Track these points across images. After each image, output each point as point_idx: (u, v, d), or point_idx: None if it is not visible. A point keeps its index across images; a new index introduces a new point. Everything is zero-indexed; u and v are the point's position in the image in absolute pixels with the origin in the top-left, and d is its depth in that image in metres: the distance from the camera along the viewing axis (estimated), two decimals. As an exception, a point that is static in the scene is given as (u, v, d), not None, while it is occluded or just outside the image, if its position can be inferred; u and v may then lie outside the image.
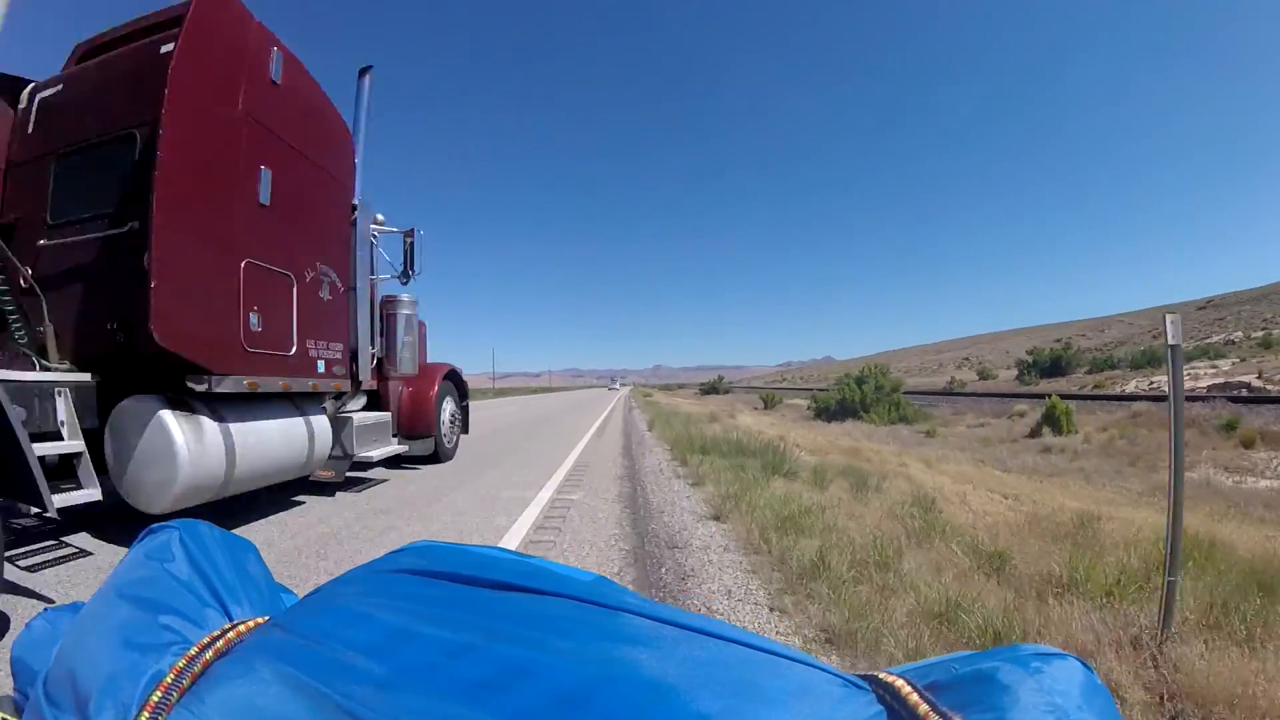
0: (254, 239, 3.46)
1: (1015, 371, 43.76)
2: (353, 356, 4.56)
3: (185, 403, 3.06)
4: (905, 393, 34.39)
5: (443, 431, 6.27)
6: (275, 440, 3.58)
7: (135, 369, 3.09)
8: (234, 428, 3.23)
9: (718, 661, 0.31)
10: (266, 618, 0.39)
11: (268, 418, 3.56)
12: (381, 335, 5.32)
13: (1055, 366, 36.05)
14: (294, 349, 3.76)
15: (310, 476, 4.20)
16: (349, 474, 4.67)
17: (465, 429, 6.97)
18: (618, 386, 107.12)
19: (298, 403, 3.92)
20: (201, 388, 3.09)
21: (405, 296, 5.63)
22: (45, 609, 0.52)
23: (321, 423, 4.07)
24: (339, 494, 4.47)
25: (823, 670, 0.32)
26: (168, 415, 2.91)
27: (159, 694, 0.33)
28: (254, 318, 3.42)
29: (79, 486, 2.63)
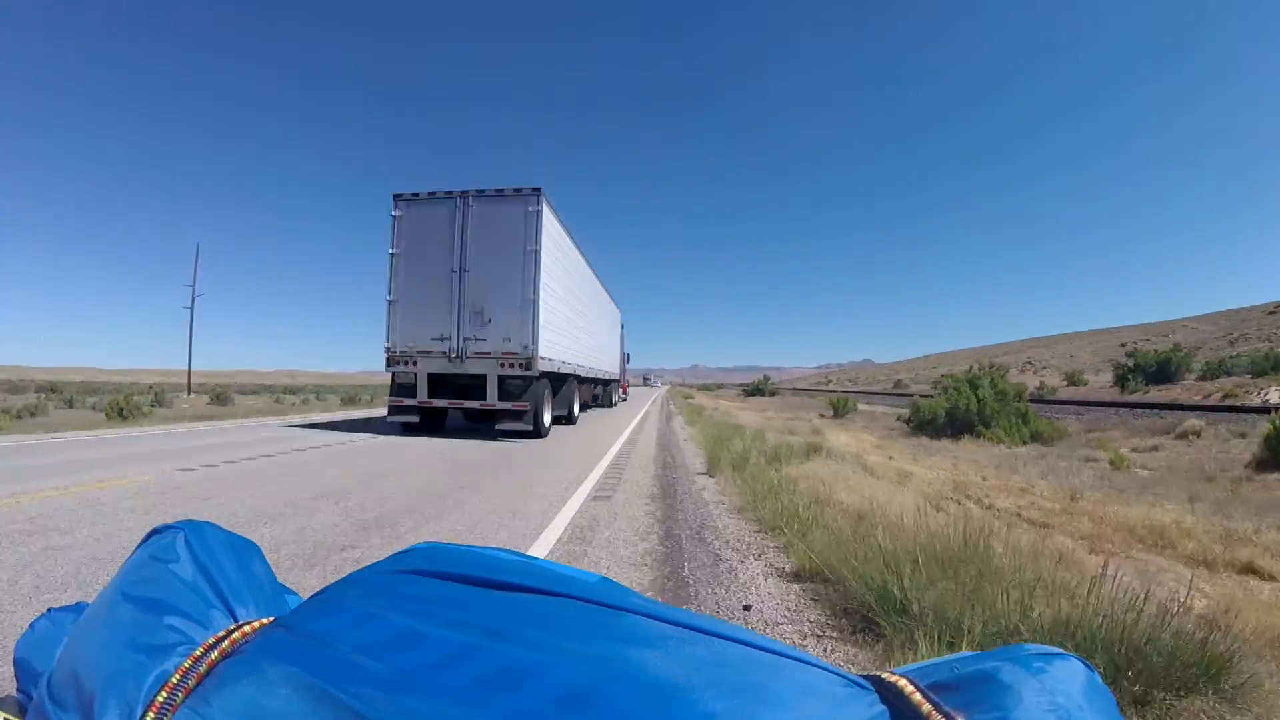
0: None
1: (1105, 377, 39.58)
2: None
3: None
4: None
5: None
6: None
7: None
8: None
9: (722, 662, 0.31)
10: (271, 618, 0.40)
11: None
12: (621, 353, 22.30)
13: (1163, 371, 31.50)
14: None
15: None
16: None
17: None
18: (656, 384, 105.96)
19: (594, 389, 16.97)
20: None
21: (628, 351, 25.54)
22: (49, 609, 0.52)
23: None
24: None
25: (826, 670, 0.32)
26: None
27: (164, 694, 0.34)
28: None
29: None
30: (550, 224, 10.44)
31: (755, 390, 57.06)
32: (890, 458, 9.74)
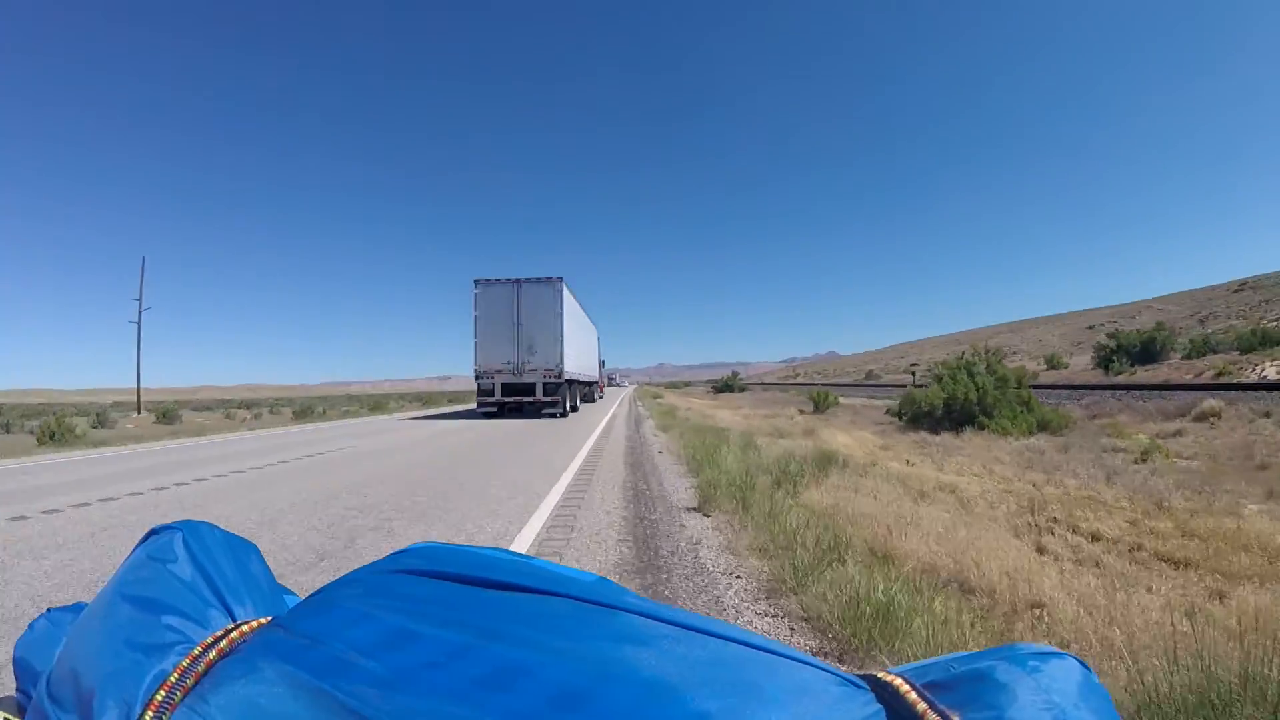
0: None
1: (1082, 359, 38.71)
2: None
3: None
4: (890, 385, 31.13)
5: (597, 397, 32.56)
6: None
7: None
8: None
9: (717, 661, 0.31)
10: (269, 618, 0.40)
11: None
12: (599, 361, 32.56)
13: (1147, 351, 30.36)
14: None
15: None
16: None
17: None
18: (622, 384, 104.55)
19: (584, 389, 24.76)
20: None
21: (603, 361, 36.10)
22: (48, 609, 0.52)
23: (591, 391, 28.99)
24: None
25: (822, 669, 0.32)
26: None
27: (163, 693, 0.34)
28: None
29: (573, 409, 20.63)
30: (567, 296, 18.52)
31: (725, 387, 53.57)
32: (909, 463, 8.36)
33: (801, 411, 20.07)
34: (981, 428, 12.34)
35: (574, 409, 20.49)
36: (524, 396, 17.29)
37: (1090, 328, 73.45)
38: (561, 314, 17.76)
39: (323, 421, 19.32)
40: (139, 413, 29.75)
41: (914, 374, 33.15)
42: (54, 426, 12.79)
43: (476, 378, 17.56)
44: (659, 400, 29.61)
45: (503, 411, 17.86)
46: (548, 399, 17.28)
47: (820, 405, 20.64)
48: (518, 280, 17.66)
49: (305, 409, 26.32)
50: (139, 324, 32.88)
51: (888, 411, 16.71)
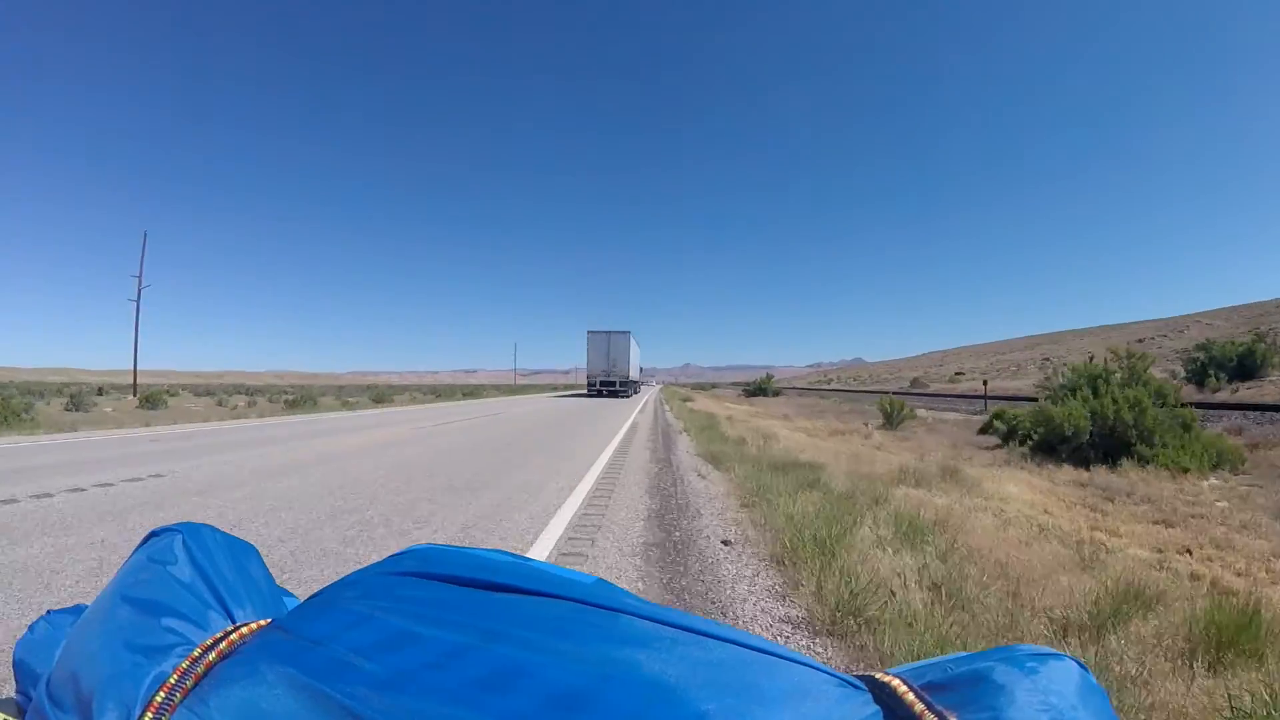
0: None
1: (1158, 373, 36.38)
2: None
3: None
4: (1023, 398, 23.46)
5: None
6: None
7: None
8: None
9: (716, 662, 0.31)
10: (269, 620, 0.40)
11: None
12: (640, 370, 52.88)
13: (1243, 366, 26.63)
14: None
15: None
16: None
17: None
18: (651, 383, 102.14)
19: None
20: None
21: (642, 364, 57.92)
22: (48, 611, 0.52)
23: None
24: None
25: (820, 670, 0.32)
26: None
27: (162, 694, 0.34)
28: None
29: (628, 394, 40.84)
30: (632, 340, 41.29)
31: (758, 390, 52.83)
32: (1161, 553, 5.04)
33: (869, 425, 17.17)
34: (1143, 460, 9.01)
35: (635, 393, 43.74)
36: (609, 387, 38.86)
37: (1140, 341, 71.53)
38: (628, 349, 39.84)
39: (321, 413, 18.85)
40: (134, 395, 28.13)
41: (985, 383, 28.67)
42: None
43: (588, 377, 39.77)
44: (690, 405, 24.52)
45: (601, 394, 38.28)
46: (621, 389, 38.91)
47: (893, 418, 17.43)
48: (609, 331, 39.70)
49: (298, 399, 25.69)
50: (138, 301, 31.20)
51: (985, 431, 13.98)
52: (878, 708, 0.30)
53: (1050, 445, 10.24)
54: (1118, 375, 11.14)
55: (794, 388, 77.48)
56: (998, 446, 12.03)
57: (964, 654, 0.33)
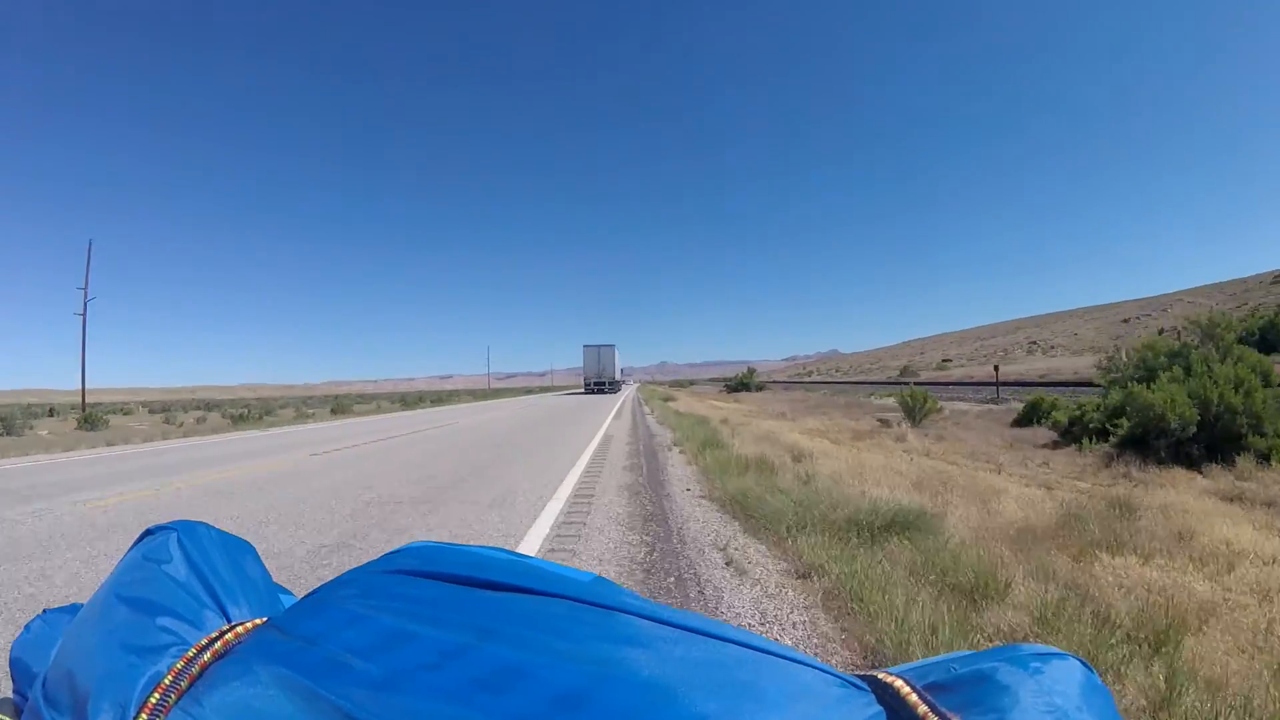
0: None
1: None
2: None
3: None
4: (1032, 384, 23.62)
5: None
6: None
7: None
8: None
9: (716, 662, 0.31)
10: (264, 619, 0.40)
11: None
12: (621, 371, 69.88)
13: (1266, 341, 24.13)
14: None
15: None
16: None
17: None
18: (629, 381, 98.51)
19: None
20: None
21: (622, 365, 77.23)
22: (44, 610, 0.52)
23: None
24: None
25: (822, 670, 0.32)
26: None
27: (157, 695, 0.33)
28: None
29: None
30: (616, 351, 58.74)
31: (740, 385, 48.17)
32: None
33: (882, 421, 15.12)
34: (1263, 456, 7.27)
35: (618, 391, 56.30)
36: (600, 386, 53.09)
37: (1125, 320, 69.28)
38: (613, 358, 55.29)
39: (266, 428, 17.27)
40: (83, 413, 25.09)
41: (996, 369, 27.79)
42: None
43: (584, 378, 55.16)
44: (673, 405, 21.14)
45: (593, 392, 51.72)
46: (609, 387, 53.64)
47: (915, 413, 15.16)
48: (599, 345, 55.16)
49: (246, 415, 23.10)
50: (84, 315, 28.93)
51: (1021, 423, 12.20)
52: (880, 708, 0.30)
53: (1140, 440, 8.25)
54: (1197, 351, 9.35)
55: (775, 382, 73.12)
56: (1055, 444, 10.02)
57: (967, 653, 0.33)
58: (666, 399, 28.75)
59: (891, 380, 47.65)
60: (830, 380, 68.56)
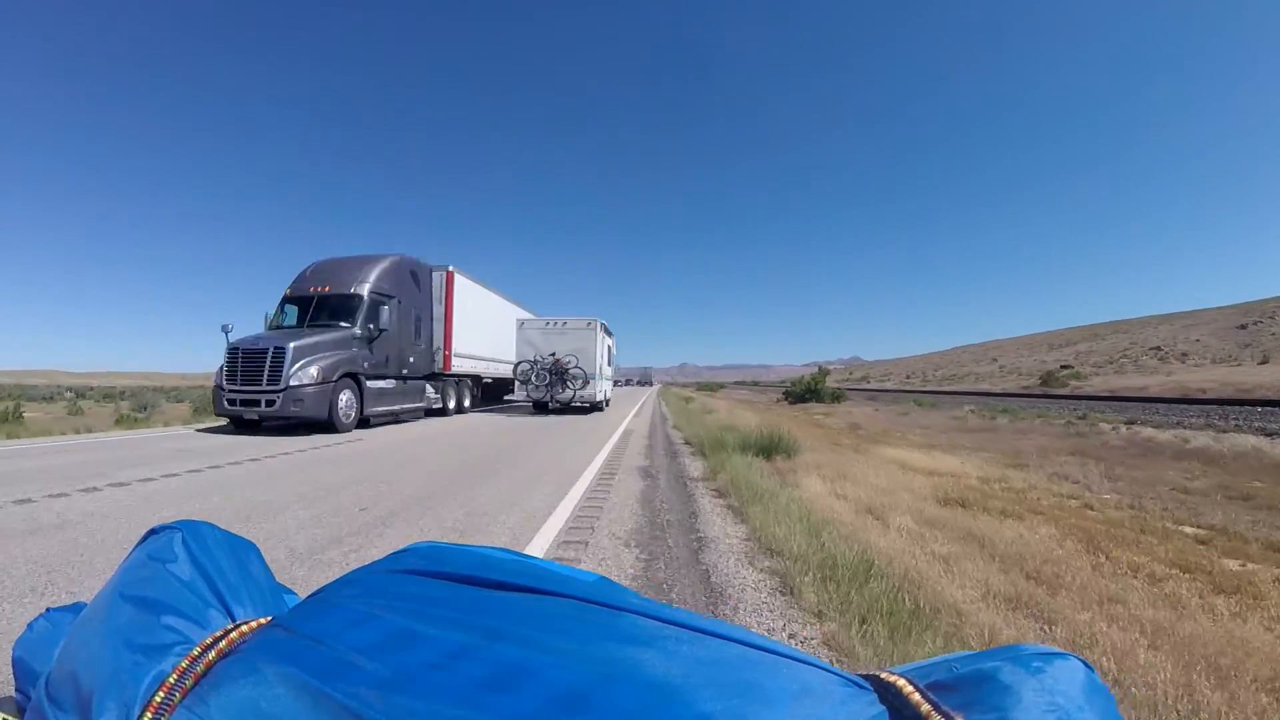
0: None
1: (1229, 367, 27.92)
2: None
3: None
4: (1130, 399, 20.26)
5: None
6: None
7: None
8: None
9: (720, 662, 0.31)
10: (269, 618, 0.40)
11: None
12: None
13: None
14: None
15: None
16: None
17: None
18: (632, 382, 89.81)
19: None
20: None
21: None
22: (47, 609, 0.52)
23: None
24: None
25: (825, 670, 0.32)
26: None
27: (162, 694, 0.34)
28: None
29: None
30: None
31: (808, 392, 29.35)
32: None
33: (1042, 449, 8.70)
34: None
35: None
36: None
37: (1242, 327, 59.65)
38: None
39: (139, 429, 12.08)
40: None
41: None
42: None
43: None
44: (711, 415, 14.06)
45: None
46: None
47: None
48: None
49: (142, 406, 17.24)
50: None
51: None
52: (883, 708, 0.30)
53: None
54: None
55: (863, 389, 53.45)
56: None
57: (969, 653, 0.33)
58: (707, 410, 16.77)
59: (1026, 392, 35.45)
60: (881, 387, 55.12)
